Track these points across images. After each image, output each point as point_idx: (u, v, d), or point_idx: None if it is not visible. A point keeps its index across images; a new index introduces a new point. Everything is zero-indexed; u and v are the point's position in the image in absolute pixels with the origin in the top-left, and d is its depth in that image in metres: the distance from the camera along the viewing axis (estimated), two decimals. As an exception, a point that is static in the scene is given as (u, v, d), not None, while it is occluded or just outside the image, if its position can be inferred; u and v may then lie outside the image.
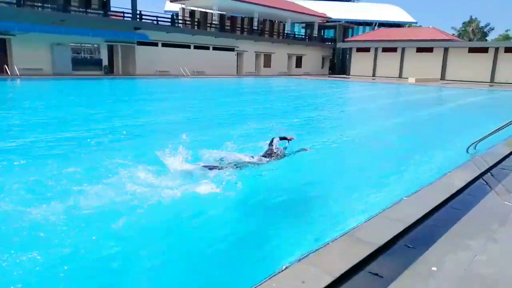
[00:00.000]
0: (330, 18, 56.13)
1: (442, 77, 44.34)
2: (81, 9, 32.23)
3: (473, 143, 7.00)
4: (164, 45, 35.49)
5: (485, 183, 5.28)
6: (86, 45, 31.42)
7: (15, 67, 25.99)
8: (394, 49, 47.81)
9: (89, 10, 32.37)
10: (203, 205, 4.81)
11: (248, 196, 5.23)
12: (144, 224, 4.19)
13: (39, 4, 28.49)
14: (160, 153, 5.62)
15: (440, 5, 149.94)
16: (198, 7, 43.90)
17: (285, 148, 6.96)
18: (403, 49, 47.10)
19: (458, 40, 47.77)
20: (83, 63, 30.82)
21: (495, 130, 7.04)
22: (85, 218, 4.20)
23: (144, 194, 4.75)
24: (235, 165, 6.02)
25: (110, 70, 33.21)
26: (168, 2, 54.36)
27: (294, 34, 53.37)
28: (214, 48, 40.19)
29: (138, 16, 33.30)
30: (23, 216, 4.11)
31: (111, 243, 3.81)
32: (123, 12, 32.75)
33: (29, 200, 4.55)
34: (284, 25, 51.48)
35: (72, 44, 30.09)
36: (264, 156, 6.53)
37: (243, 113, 14.43)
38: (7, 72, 25.51)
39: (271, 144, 6.75)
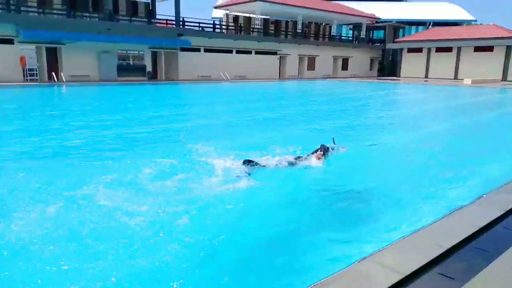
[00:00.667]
0: (379, 18, 53.75)
1: (504, 78, 40.61)
2: (127, 17, 33.51)
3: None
4: (206, 50, 35.81)
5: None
6: (131, 52, 32.45)
7: (62, 74, 27.38)
8: (449, 49, 44.68)
9: (134, 18, 33.55)
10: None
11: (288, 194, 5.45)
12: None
13: (87, 14, 29.90)
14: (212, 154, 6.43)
15: (506, 2, 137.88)
16: (241, 12, 44.01)
17: (332, 149, 7.07)
18: (459, 49, 43.85)
19: (523, 37, 43.47)
20: (128, 69, 31.86)
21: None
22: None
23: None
24: (279, 164, 6.32)
25: (153, 75, 34.14)
26: (214, 10, 55.28)
27: (340, 36, 51.71)
28: (257, 52, 39.94)
29: (181, 23, 33.87)
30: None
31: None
32: (167, 20, 33.49)
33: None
34: (330, 27, 50.14)
35: (118, 52, 31.23)
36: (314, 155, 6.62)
37: (255, 119, 13.83)
38: (55, 79, 26.93)
39: (321, 149, 6.78)
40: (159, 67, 34.04)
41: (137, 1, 35.86)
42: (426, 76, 46.59)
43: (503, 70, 40.83)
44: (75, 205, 4.59)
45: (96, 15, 30.23)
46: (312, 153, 6.64)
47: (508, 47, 40.39)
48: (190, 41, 33.10)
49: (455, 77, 43.55)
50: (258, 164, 6.17)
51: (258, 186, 5.37)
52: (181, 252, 3.61)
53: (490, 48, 41.63)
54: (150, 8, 36.14)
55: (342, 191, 5.59)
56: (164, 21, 34.36)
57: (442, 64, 45.23)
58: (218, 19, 48.52)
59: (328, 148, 6.85)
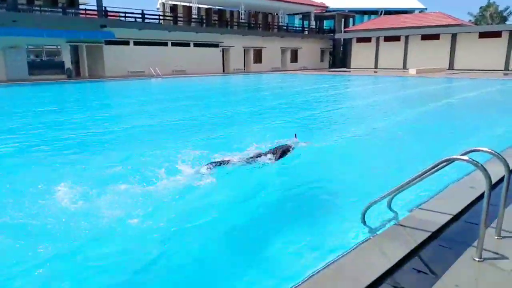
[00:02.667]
0: (328, 7, 52.13)
1: (451, 67, 39.98)
2: (46, 9, 29.84)
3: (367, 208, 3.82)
4: (136, 43, 32.67)
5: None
6: (46, 47, 28.81)
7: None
8: (397, 38, 43.64)
9: (54, 9, 29.94)
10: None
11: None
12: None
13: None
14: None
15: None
16: (179, 1, 41.00)
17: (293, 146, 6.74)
18: (406, 38, 42.87)
19: (467, 25, 43.09)
20: (42, 66, 28.25)
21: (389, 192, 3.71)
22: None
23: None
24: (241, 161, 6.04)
25: (75, 72, 30.70)
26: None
27: (287, 26, 49.62)
28: (196, 45, 37.15)
29: (103, 13, 30.55)
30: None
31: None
32: (86, 10, 30.09)
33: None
34: (278, 17, 47.99)
35: (29, 47, 27.60)
36: (271, 152, 6.39)
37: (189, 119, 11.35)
38: None
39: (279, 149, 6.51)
40: (81, 63, 30.64)
41: (56, -10, 32.24)
42: (376, 67, 45.45)
43: (449, 59, 40.19)
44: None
45: (-2, 5, 26.49)
46: (271, 150, 6.46)
47: (453, 35, 39.72)
48: (114, 33, 29.85)
49: (404, 67, 42.60)
50: (213, 164, 5.87)
51: (211, 185, 5.17)
52: (131, 252, 3.66)
53: (436, 36, 40.86)
54: (72, -3, 32.63)
55: (297, 188, 5.49)
56: (85, 11, 30.91)
57: (391, 53, 44.20)
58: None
59: (287, 145, 6.64)
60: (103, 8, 30.38)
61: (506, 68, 36.51)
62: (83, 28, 28.92)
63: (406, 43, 43.00)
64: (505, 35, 36.88)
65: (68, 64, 29.21)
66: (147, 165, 5.84)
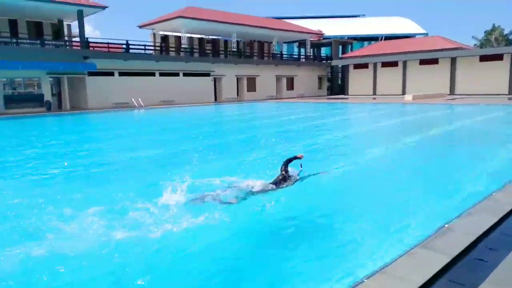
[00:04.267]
0: (324, 34, 51.39)
1: (452, 92, 38.21)
2: (25, 40, 29.42)
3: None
4: (122, 74, 31.87)
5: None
6: (25, 79, 28.04)
7: None
8: (395, 63, 42.28)
9: (34, 41, 29.49)
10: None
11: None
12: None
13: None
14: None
15: (459, 15, 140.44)
16: (169, 31, 40.62)
17: (300, 171, 6.76)
18: (404, 63, 41.47)
19: (467, 48, 41.55)
20: (19, 99, 27.40)
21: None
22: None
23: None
24: (239, 194, 5.87)
25: (58, 105, 29.88)
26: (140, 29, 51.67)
27: (281, 54, 48.81)
28: (186, 74, 36.28)
29: (86, 45, 29.93)
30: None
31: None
32: (66, 41, 29.57)
33: None
34: (272, 45, 47.29)
35: (5, 80, 26.88)
36: (275, 182, 6.30)
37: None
38: None
39: (282, 169, 6.54)
40: (63, 95, 29.82)
41: (41, 22, 32.02)
42: (374, 93, 43.94)
43: (450, 84, 38.49)
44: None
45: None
46: (277, 177, 6.42)
47: (453, 59, 38.18)
48: (96, 64, 29.08)
49: (403, 93, 40.93)
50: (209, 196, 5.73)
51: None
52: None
53: (435, 61, 39.37)
54: (58, 28, 32.36)
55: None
56: (73, 42, 30.40)
57: (389, 79, 42.75)
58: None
59: (286, 175, 6.49)
60: (86, 39, 29.77)
61: (510, 92, 34.60)
62: (65, 59, 28.23)
63: (404, 68, 41.57)
64: (507, 58, 35.20)
65: (48, 97, 28.37)
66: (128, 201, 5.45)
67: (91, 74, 29.80)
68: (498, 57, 35.81)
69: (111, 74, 31.31)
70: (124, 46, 31.63)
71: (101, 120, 23.99)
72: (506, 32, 70.21)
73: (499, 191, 5.41)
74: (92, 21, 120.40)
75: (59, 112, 27.93)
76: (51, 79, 29.14)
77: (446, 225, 4.21)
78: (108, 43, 31.34)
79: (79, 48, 30.23)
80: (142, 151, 11.28)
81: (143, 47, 33.13)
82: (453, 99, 32.13)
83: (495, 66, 35.74)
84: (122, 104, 31.15)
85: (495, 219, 4.28)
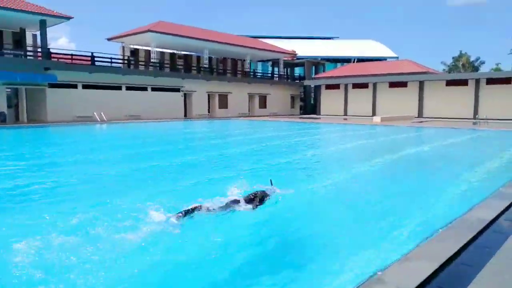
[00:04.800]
0: (296, 54, 51.83)
1: (420, 114, 38.84)
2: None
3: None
4: (85, 86, 30.71)
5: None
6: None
7: None
8: (365, 85, 42.80)
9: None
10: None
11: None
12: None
13: None
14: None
15: (430, 41, 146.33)
16: (139, 45, 39.90)
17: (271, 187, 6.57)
18: (374, 85, 42.05)
19: (434, 73, 42.64)
20: (-30, 110, 25.84)
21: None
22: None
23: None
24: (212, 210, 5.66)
25: (16, 117, 28.36)
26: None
27: (254, 72, 48.77)
28: (154, 89, 35.40)
29: (47, 55, 28.73)
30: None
31: None
32: (27, 51, 28.30)
33: None
34: (245, 63, 47.18)
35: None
36: (247, 200, 6.03)
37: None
38: None
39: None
40: (20, 107, 28.36)
41: (2, 31, 30.66)
42: (346, 114, 44.23)
43: (418, 106, 39.17)
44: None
45: None
46: (246, 197, 6.06)
47: (421, 83, 38.98)
48: (57, 76, 27.88)
49: (373, 114, 41.34)
50: (186, 212, 5.41)
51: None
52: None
53: (404, 84, 40.10)
54: (20, 38, 31.05)
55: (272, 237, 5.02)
56: (31, 53, 29.11)
57: (360, 101, 43.17)
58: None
59: (264, 193, 6.26)
60: (48, 50, 28.60)
61: (475, 116, 35.40)
62: (24, 70, 26.92)
63: (375, 90, 42.13)
64: (471, 84, 36.16)
65: (2, 108, 26.86)
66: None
67: (52, 86, 28.54)
68: (463, 82, 36.77)
69: (75, 86, 30.12)
70: (90, 58, 30.56)
71: (49, 134, 22.68)
72: (472, 59, 73.19)
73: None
74: (68, 34, 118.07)
75: (14, 124, 26.42)
76: (8, 90, 27.70)
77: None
78: (72, 54, 30.21)
79: (41, 58, 28.99)
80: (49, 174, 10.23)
81: (109, 60, 32.12)
82: (420, 121, 32.52)
83: (460, 91, 36.64)
84: (85, 118, 29.90)
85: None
